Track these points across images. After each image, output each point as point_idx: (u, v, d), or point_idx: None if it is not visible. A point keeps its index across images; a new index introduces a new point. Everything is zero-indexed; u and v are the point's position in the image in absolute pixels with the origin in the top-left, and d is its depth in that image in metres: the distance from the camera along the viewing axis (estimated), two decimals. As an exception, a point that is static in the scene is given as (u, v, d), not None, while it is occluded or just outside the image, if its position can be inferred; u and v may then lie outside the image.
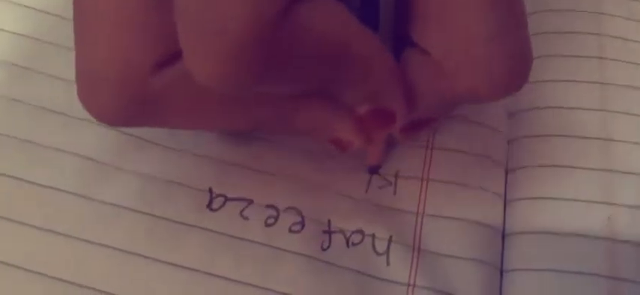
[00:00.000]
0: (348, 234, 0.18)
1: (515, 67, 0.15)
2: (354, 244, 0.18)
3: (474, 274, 0.18)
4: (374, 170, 0.19)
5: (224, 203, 0.18)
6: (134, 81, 0.14)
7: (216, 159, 0.19)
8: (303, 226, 0.18)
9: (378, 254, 0.18)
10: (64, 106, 0.19)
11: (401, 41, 0.16)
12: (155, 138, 0.19)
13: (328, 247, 0.18)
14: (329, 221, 0.19)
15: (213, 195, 0.18)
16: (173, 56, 0.14)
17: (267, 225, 0.18)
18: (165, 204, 0.18)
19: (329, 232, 0.18)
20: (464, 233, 0.18)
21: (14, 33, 0.21)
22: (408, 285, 0.18)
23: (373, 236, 0.18)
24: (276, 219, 0.18)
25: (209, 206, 0.18)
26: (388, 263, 0.18)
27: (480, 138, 0.20)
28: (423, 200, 0.19)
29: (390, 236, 0.18)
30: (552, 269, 0.18)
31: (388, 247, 0.18)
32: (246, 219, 0.18)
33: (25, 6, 0.21)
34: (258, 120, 0.16)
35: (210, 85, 0.13)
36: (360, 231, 0.18)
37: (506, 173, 0.20)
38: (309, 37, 0.13)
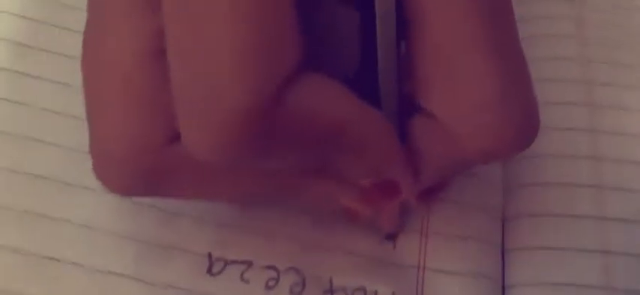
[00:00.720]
0: (350, 292, 0.18)
1: (524, 126, 0.15)
2: (354, 302, 0.18)
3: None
4: (391, 237, 0.19)
5: (224, 267, 0.18)
6: (142, 159, 0.15)
7: (215, 222, 0.19)
8: (304, 286, 0.18)
9: (379, 311, 0.18)
10: (60, 173, 0.19)
11: (406, 104, 0.16)
12: (152, 202, 0.19)
13: (329, 306, 0.18)
14: (330, 279, 0.18)
15: (213, 260, 0.18)
16: (179, 133, 0.14)
17: (268, 288, 0.18)
18: (164, 270, 0.18)
19: (331, 291, 0.18)
20: (466, 286, 0.19)
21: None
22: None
23: (375, 292, 0.18)
24: (277, 280, 0.18)
25: (209, 271, 0.18)
26: (390, 321, 0.18)
27: (475, 189, 0.20)
28: (423, 254, 0.19)
29: (393, 293, 0.18)
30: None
31: (389, 303, 0.18)
32: (246, 282, 0.18)
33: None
34: (265, 192, 0.16)
35: (206, 159, 0.13)
36: (362, 288, 0.18)
37: (503, 222, 0.20)
38: (305, 115, 0.13)
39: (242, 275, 0.18)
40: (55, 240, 0.18)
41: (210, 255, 0.18)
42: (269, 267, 0.18)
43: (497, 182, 0.21)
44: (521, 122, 0.15)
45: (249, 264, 0.18)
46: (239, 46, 0.12)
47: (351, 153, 0.15)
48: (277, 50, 0.13)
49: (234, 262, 0.18)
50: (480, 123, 0.15)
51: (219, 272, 0.18)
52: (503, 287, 0.19)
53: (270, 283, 0.18)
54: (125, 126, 0.14)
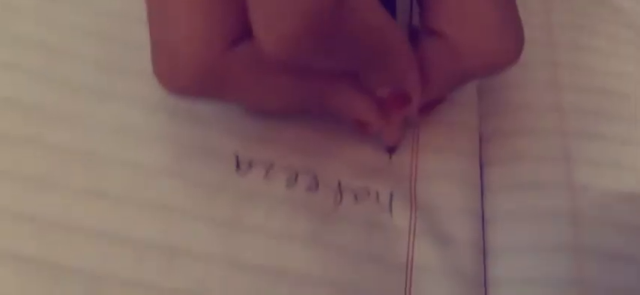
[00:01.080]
0: (356, 192, 0.22)
1: (517, 44, 0.19)
2: (361, 199, 0.21)
3: (462, 220, 0.22)
4: (392, 150, 0.23)
5: (249, 167, 0.21)
6: (207, 57, 0.17)
7: (241, 130, 0.22)
8: (317, 186, 0.21)
9: (382, 206, 0.21)
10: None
11: (413, 30, 0.20)
12: (187, 109, 0.22)
13: (341, 202, 0.21)
14: (339, 182, 0.22)
15: (240, 160, 0.21)
16: (242, 35, 0.17)
17: (288, 186, 0.21)
18: (198, 167, 0.21)
19: (340, 191, 0.21)
20: (451, 186, 0.22)
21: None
22: (410, 231, 0.21)
23: (377, 192, 0.22)
24: (296, 180, 0.21)
25: (237, 169, 0.21)
26: (391, 214, 0.21)
27: (456, 109, 0.24)
28: (415, 163, 0.23)
29: (391, 193, 0.22)
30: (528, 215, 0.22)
31: (390, 201, 0.22)
32: (269, 180, 0.21)
33: None
34: (300, 98, 0.19)
35: (277, 53, 0.16)
36: (366, 189, 0.22)
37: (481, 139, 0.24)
38: (355, 19, 0.16)
39: (266, 174, 0.21)
40: (98, 135, 0.21)
41: (237, 156, 0.21)
42: (288, 168, 0.21)
43: (473, 104, 0.24)
44: (515, 41, 0.19)
45: (270, 166, 0.21)
46: None
47: (380, 58, 0.18)
48: None
49: (258, 162, 0.21)
50: (485, 41, 0.19)
51: (246, 171, 0.21)
52: (482, 191, 0.23)
53: (290, 182, 0.21)
54: (192, 27, 0.16)
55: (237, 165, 0.21)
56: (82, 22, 0.23)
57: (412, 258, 0.21)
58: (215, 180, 0.20)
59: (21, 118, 0.20)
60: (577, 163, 0.23)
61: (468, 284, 0.21)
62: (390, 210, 0.21)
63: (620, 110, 0.24)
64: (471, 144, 0.23)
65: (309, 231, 0.20)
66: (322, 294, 0.19)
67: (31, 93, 0.21)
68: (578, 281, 0.21)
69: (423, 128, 0.23)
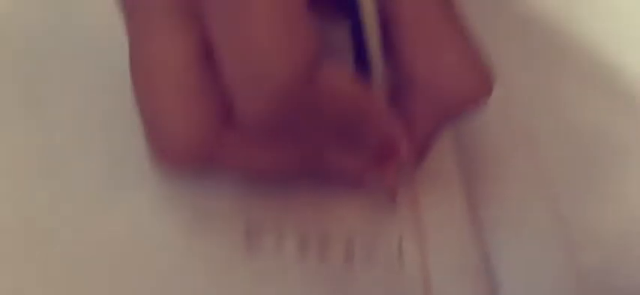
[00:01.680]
0: (367, 245, 0.22)
1: (487, 78, 0.20)
2: (372, 252, 0.22)
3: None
4: (394, 196, 0.23)
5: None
6: (201, 137, 0.18)
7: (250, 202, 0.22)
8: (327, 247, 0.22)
9: (392, 257, 0.22)
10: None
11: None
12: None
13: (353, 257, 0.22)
14: (349, 238, 0.22)
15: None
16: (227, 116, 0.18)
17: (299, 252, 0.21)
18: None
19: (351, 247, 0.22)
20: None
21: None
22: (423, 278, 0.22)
23: (387, 243, 0.22)
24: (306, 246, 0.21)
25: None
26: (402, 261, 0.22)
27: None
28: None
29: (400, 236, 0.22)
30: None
31: (400, 248, 0.22)
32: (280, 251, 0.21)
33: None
34: (300, 159, 0.20)
35: (258, 123, 0.17)
36: (375, 240, 0.22)
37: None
38: (330, 89, 0.18)
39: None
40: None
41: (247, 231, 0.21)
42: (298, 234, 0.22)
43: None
44: (485, 74, 0.20)
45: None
46: (276, 38, 0.16)
47: (355, 124, 0.20)
48: (301, 41, 0.17)
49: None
50: (455, 78, 0.20)
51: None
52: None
53: (301, 248, 0.21)
54: (185, 112, 0.18)
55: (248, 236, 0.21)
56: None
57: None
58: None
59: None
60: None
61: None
62: (401, 258, 0.22)
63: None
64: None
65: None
66: None
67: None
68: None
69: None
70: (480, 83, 0.20)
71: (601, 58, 0.28)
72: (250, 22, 0.16)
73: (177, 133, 0.18)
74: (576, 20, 0.28)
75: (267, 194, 0.22)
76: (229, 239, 0.21)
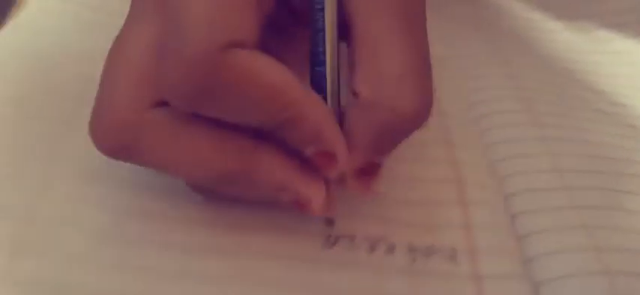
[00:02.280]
0: (423, 249, 0.25)
1: (428, 100, 0.20)
2: (430, 255, 0.25)
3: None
4: (331, 222, 0.25)
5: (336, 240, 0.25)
6: (125, 118, 0.19)
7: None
8: (394, 249, 0.25)
9: (447, 259, 0.25)
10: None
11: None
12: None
13: (415, 261, 0.25)
14: (410, 243, 0.25)
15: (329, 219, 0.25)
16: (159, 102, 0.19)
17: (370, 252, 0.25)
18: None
19: (413, 250, 0.25)
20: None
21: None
22: (475, 277, 0.25)
23: (441, 248, 0.26)
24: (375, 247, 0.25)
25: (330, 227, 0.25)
26: (457, 263, 0.25)
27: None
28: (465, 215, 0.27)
29: (452, 247, 0.26)
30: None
31: (454, 253, 0.25)
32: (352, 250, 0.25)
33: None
34: (224, 164, 0.20)
35: (176, 97, 0.18)
36: (432, 246, 0.26)
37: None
38: (244, 73, 0.18)
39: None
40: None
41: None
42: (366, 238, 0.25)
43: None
44: (426, 95, 0.20)
45: (353, 237, 0.25)
46: (205, 11, 0.17)
47: (281, 115, 0.19)
48: (231, 19, 0.17)
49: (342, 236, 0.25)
50: (395, 92, 0.20)
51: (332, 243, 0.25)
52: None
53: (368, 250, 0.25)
54: (120, 89, 0.19)
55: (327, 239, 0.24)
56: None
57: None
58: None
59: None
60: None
61: None
62: (456, 260, 0.25)
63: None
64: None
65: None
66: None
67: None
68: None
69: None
70: (418, 105, 0.20)
71: (617, 98, 0.32)
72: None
73: (106, 111, 0.19)
74: (601, 67, 0.33)
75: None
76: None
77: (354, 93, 0.21)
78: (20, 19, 0.32)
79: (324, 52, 0.21)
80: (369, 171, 0.22)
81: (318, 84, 0.21)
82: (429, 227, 0.26)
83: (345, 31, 0.21)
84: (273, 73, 0.18)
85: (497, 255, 0.26)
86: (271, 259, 0.24)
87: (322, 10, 0.20)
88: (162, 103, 0.19)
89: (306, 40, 0.21)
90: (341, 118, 0.21)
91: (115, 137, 0.19)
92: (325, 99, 0.21)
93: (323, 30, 0.20)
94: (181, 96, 0.18)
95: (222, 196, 0.23)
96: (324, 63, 0.21)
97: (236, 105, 0.18)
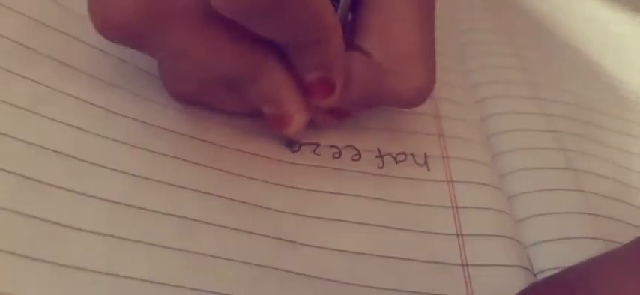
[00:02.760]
0: (394, 155, 0.24)
1: (430, 82, 0.22)
2: (400, 161, 0.24)
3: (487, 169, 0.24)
4: (293, 144, 0.24)
5: (299, 147, 0.24)
6: (135, 8, 0.18)
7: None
8: (360, 156, 0.24)
9: (419, 165, 0.24)
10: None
11: (348, 28, 0.22)
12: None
13: (382, 166, 0.24)
14: (378, 149, 0.24)
15: (291, 141, 0.24)
16: None
17: (334, 158, 0.24)
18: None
19: (381, 156, 0.24)
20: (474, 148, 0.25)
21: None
22: (447, 181, 0.24)
23: (413, 154, 0.24)
24: (340, 153, 0.24)
25: (290, 148, 0.23)
26: (428, 169, 0.24)
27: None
28: (441, 128, 0.26)
29: (425, 153, 0.24)
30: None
31: (425, 160, 0.24)
32: (318, 155, 0.24)
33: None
34: (233, 68, 0.20)
35: (225, 11, 0.17)
36: (403, 153, 0.24)
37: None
38: None
39: (314, 151, 0.24)
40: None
41: (288, 138, 0.24)
42: (332, 146, 0.24)
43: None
44: (428, 77, 0.22)
45: (317, 144, 0.24)
46: None
47: (313, 37, 0.19)
48: None
49: (306, 143, 0.24)
50: (403, 67, 0.21)
51: (298, 149, 0.23)
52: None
53: (335, 155, 0.24)
54: None
55: (290, 145, 0.23)
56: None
57: (455, 199, 0.23)
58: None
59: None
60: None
61: (508, 218, 0.23)
62: (427, 167, 0.24)
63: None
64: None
65: (357, 190, 0.23)
66: (385, 236, 0.22)
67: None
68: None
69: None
70: (423, 84, 0.21)
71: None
72: None
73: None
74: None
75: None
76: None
77: (361, 49, 0.21)
78: None
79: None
80: (339, 112, 0.23)
81: None
82: (399, 135, 0.25)
83: None
84: None
85: (471, 164, 0.25)
86: (239, 155, 0.22)
87: None
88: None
89: None
90: (343, 31, 0.21)
91: (129, 15, 0.18)
92: (336, 8, 0.22)
93: None
94: (240, 9, 0.17)
95: (201, 105, 0.23)
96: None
97: (284, 22, 0.18)
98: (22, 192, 0.18)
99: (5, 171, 0.18)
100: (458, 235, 0.22)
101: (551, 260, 0.23)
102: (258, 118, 0.23)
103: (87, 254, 0.18)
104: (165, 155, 0.21)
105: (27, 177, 0.18)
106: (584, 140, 0.28)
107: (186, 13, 0.18)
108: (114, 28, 0.18)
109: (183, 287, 0.18)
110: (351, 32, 0.23)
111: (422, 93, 0.22)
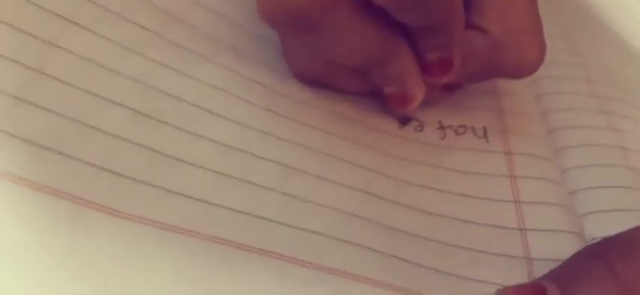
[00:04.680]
0: (455, 128, 0.26)
1: (542, 53, 0.24)
2: (460, 133, 0.26)
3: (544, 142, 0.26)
4: (406, 121, 0.25)
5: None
6: None
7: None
8: (423, 127, 0.26)
9: (478, 137, 0.26)
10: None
11: None
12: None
13: (444, 137, 0.26)
14: (440, 121, 0.26)
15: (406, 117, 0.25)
16: None
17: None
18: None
19: (443, 128, 0.26)
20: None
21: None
22: (506, 153, 0.25)
23: (473, 128, 0.26)
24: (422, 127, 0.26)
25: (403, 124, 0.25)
26: (487, 141, 0.26)
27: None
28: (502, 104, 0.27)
29: (484, 126, 0.26)
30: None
31: (485, 132, 0.26)
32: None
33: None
34: (375, 49, 0.21)
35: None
36: (463, 126, 0.26)
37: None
38: None
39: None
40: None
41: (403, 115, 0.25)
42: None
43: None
44: (542, 49, 0.24)
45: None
46: None
47: (444, 19, 0.21)
48: None
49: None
50: (521, 40, 0.23)
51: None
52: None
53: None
54: None
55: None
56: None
57: (514, 170, 0.25)
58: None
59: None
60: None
61: (563, 189, 0.25)
62: (487, 139, 0.26)
63: None
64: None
65: (422, 160, 0.25)
66: (443, 198, 0.23)
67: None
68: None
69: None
70: (537, 56, 0.23)
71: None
72: None
73: None
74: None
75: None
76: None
77: (477, 27, 0.23)
78: None
79: None
80: (452, 86, 0.25)
81: None
82: (460, 109, 0.27)
83: None
84: None
85: (530, 138, 0.26)
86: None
87: None
88: None
89: None
90: None
91: (299, 12, 0.19)
92: None
93: None
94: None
95: (322, 85, 0.24)
96: None
97: (429, 8, 0.20)
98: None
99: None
100: (515, 202, 0.24)
101: (602, 229, 0.24)
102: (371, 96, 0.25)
103: (191, 185, 0.19)
104: (282, 116, 0.23)
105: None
106: (632, 122, 0.29)
107: (347, 6, 0.20)
108: (287, 11, 0.20)
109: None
110: (466, 7, 0.23)
111: (535, 64, 0.24)
